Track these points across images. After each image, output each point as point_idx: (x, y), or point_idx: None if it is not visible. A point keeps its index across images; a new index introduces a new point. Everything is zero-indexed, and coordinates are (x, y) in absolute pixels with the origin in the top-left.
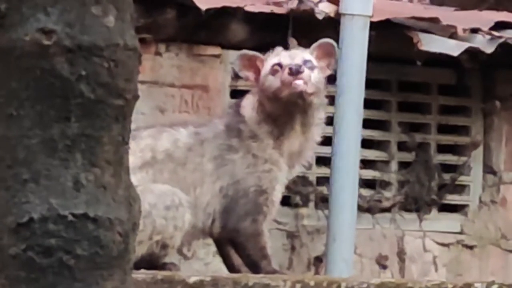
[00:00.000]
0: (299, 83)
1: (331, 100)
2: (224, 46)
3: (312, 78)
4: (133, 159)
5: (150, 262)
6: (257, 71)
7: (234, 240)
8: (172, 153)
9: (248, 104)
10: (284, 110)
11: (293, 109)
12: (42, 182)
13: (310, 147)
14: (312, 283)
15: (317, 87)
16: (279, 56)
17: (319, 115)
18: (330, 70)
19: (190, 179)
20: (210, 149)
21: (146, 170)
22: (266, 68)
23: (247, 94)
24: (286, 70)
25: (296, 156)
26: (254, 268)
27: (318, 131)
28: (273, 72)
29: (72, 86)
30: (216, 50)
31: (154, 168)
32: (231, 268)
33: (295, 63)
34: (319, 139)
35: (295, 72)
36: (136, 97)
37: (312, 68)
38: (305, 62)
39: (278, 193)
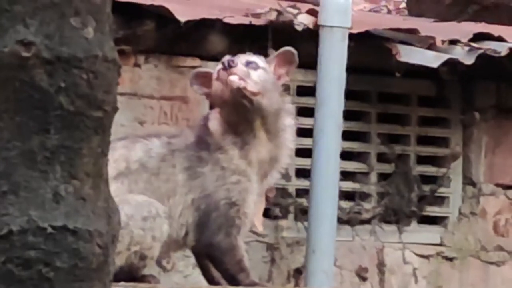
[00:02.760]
0: (233, 78)
1: (311, 112)
2: (203, 58)
3: (253, 76)
4: (108, 169)
5: (129, 273)
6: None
7: (210, 254)
8: (145, 163)
9: (214, 117)
10: (238, 115)
11: (245, 112)
12: (21, 194)
13: (283, 154)
14: None
15: (263, 87)
16: (223, 60)
17: (284, 121)
18: (289, 76)
19: (164, 189)
20: (181, 159)
21: (121, 180)
22: (214, 75)
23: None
24: (221, 67)
25: (268, 164)
26: (233, 281)
27: (288, 137)
28: (217, 77)
29: (51, 97)
30: (195, 62)
31: (129, 179)
32: (211, 280)
33: (229, 58)
34: (292, 146)
35: (227, 66)
36: (115, 109)
37: (255, 68)
38: (248, 63)
39: (250, 204)
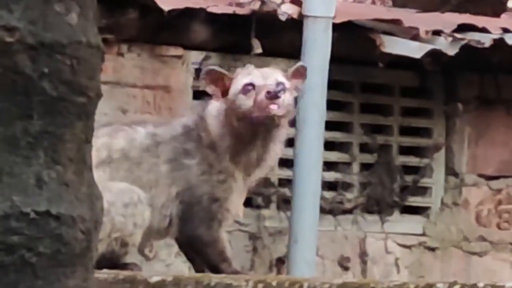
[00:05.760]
0: (274, 107)
1: (294, 101)
2: (187, 47)
3: (284, 101)
4: None
5: (111, 260)
6: (223, 86)
7: (192, 246)
8: (127, 152)
9: (214, 113)
10: (251, 129)
11: (260, 129)
12: (4, 180)
13: (271, 158)
14: (274, 283)
15: (287, 109)
16: (251, 75)
17: (281, 130)
18: (298, 92)
19: (145, 179)
20: (166, 151)
21: (103, 168)
22: (236, 86)
23: (213, 100)
24: (264, 93)
25: (254, 167)
26: (215, 271)
27: (278, 144)
28: (245, 91)
29: (35, 83)
30: (178, 51)
31: (111, 167)
32: (196, 265)
33: (272, 85)
34: (279, 152)
35: (273, 96)
36: (99, 95)
37: (284, 90)
38: (278, 84)
39: (233, 201)
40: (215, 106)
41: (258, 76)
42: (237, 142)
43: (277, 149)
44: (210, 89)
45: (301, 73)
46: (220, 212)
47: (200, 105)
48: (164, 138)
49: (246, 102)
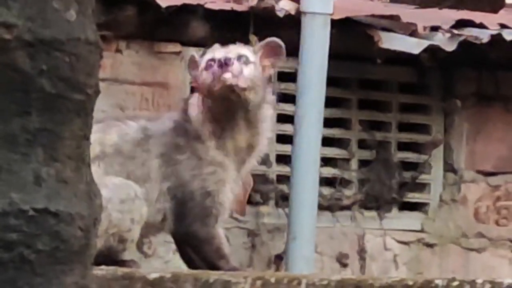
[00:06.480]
0: (227, 76)
1: (292, 98)
2: (185, 44)
3: (244, 72)
4: None
5: (109, 256)
6: None
7: (188, 243)
8: (120, 147)
9: (194, 103)
10: (222, 106)
11: (230, 105)
12: (2, 177)
13: (260, 142)
14: (272, 280)
15: (252, 82)
16: (214, 52)
17: (265, 113)
18: (275, 69)
19: (139, 173)
20: (157, 146)
21: (97, 163)
22: (202, 64)
23: (195, 93)
24: (216, 63)
25: (245, 152)
26: (213, 268)
27: (267, 126)
28: (208, 67)
29: (33, 80)
30: (176, 48)
31: (105, 162)
32: (190, 263)
33: (226, 56)
34: (270, 135)
35: (223, 64)
36: (97, 92)
37: (246, 63)
38: (240, 57)
39: (226, 193)
40: (195, 97)
41: (221, 51)
42: (219, 126)
43: (265, 132)
44: (193, 74)
45: (274, 49)
46: (214, 207)
47: (184, 100)
48: (154, 132)
49: (208, 77)
